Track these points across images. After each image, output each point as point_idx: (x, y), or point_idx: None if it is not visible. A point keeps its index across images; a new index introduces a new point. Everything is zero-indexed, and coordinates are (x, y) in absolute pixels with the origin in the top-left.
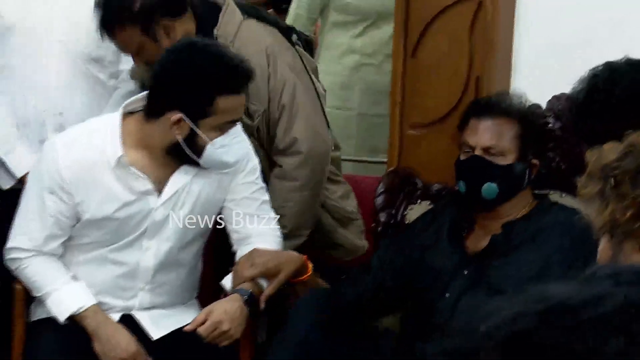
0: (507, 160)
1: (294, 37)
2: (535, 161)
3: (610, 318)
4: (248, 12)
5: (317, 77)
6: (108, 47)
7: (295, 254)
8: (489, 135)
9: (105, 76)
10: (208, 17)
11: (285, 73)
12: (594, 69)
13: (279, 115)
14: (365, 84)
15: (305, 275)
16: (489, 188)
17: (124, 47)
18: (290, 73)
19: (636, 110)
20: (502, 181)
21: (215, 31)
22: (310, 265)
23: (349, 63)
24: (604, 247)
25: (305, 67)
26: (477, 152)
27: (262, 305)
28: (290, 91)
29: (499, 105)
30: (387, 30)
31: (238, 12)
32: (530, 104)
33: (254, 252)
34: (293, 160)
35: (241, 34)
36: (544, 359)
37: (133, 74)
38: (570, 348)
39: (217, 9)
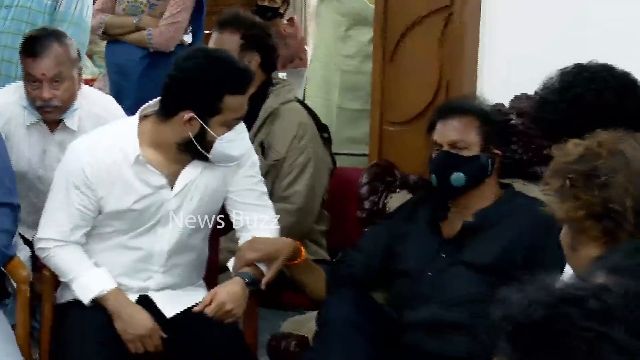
0: (472, 152)
1: (325, 135)
2: (497, 151)
3: (615, 307)
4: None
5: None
6: None
7: (290, 240)
8: (454, 132)
9: None
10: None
11: (309, 145)
12: (564, 68)
13: (290, 170)
14: (345, 82)
15: (300, 259)
16: (457, 177)
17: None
18: (311, 147)
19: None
20: (468, 170)
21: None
22: (303, 250)
23: (334, 60)
24: (564, 233)
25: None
26: (445, 147)
27: (263, 286)
28: (307, 158)
29: (460, 106)
30: (366, 34)
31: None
32: (488, 103)
33: (255, 239)
34: (285, 206)
35: (288, 105)
36: (553, 346)
37: None
38: (578, 335)
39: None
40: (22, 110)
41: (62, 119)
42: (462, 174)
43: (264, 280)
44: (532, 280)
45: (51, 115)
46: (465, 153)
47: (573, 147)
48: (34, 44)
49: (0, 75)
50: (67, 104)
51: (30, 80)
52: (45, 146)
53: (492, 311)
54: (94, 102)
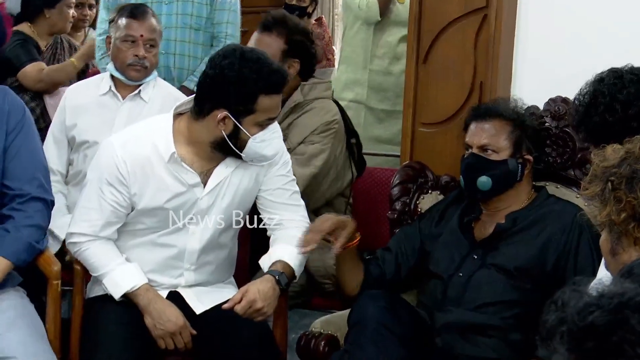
0: (501, 156)
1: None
2: (528, 157)
3: None
4: None
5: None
6: None
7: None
8: (484, 135)
9: None
10: None
11: (327, 142)
12: (599, 73)
13: (295, 159)
14: (372, 82)
15: (355, 241)
16: (483, 180)
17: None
18: (329, 143)
19: (636, 116)
20: (495, 174)
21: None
22: (357, 233)
23: (362, 60)
24: (604, 239)
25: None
26: (474, 150)
27: (337, 251)
28: (318, 150)
29: (493, 109)
30: (395, 35)
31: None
32: (524, 107)
33: (323, 215)
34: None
35: (323, 103)
36: (611, 351)
37: None
38: (637, 341)
39: None
40: (97, 83)
41: (138, 87)
42: (488, 178)
43: (338, 244)
44: (585, 283)
45: (137, 74)
46: (494, 157)
47: (612, 152)
48: (137, 11)
49: (174, 68)
50: (151, 68)
51: (127, 40)
52: (115, 115)
53: (546, 313)
54: (168, 85)
